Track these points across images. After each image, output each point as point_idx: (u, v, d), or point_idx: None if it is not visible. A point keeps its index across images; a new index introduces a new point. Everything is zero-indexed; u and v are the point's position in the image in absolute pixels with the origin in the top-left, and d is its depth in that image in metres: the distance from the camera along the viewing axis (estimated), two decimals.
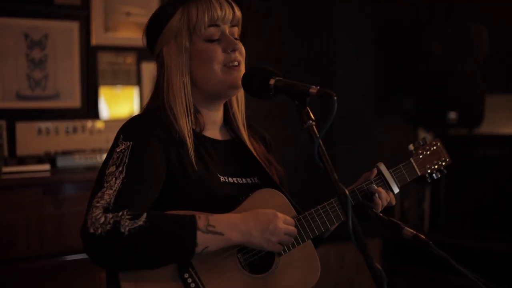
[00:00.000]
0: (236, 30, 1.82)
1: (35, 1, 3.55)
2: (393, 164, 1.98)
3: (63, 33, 3.64)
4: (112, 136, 3.67)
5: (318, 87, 1.53)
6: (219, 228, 1.58)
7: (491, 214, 4.13)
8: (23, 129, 3.50)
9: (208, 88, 1.77)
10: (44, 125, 3.56)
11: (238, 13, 1.81)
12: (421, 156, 2.00)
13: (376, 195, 1.85)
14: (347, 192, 1.45)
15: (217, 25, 1.76)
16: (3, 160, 3.18)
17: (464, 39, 4.37)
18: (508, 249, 3.93)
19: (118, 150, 1.65)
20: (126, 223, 1.50)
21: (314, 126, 1.52)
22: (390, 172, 1.93)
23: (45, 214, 3.01)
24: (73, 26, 3.67)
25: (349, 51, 4.78)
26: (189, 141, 1.72)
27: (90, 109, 3.75)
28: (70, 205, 3.08)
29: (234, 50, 1.77)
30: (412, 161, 1.99)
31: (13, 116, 3.50)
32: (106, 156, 1.68)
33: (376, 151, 4.55)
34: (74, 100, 3.70)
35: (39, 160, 3.29)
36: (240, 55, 1.79)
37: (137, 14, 3.81)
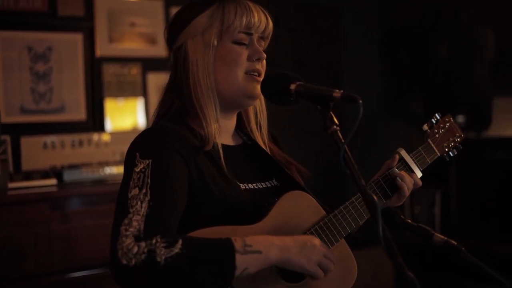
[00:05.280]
0: (263, 44, 1.77)
1: (38, 13, 3.51)
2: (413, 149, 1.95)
3: (67, 45, 3.60)
4: (118, 149, 3.61)
5: (342, 91, 1.48)
6: (257, 247, 1.51)
7: (503, 217, 4.08)
8: (28, 143, 3.45)
9: (227, 93, 1.71)
10: (49, 139, 3.51)
11: (270, 26, 1.76)
12: (437, 135, 1.96)
13: (398, 179, 1.81)
14: (375, 198, 1.38)
15: (249, 33, 1.71)
16: (8, 176, 3.13)
17: (471, 41, 4.34)
18: None
19: (137, 170, 1.56)
20: (162, 252, 1.42)
21: (338, 131, 1.47)
22: (411, 157, 1.90)
23: (53, 229, 2.96)
24: (77, 38, 3.63)
25: (357, 54, 4.76)
26: (213, 144, 1.67)
27: (96, 122, 3.71)
28: (79, 220, 3.03)
29: (259, 59, 1.72)
30: (430, 142, 1.95)
31: (18, 131, 3.45)
32: (124, 177, 1.59)
33: (384, 154, 4.50)
34: (79, 113, 3.65)
35: (45, 175, 3.25)
36: (262, 68, 1.74)
37: (141, 25, 3.73)
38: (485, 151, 4.25)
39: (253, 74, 1.71)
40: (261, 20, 1.72)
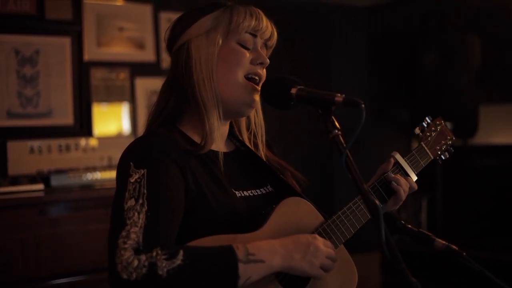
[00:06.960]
0: (265, 53, 1.74)
1: (26, 16, 3.48)
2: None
3: (55, 49, 3.57)
4: (106, 154, 3.55)
5: (344, 95, 1.47)
6: (260, 256, 1.48)
7: (489, 224, 4.10)
8: (14, 148, 3.41)
9: (225, 98, 1.67)
10: (36, 143, 3.47)
11: (275, 36, 1.75)
12: (429, 139, 1.94)
13: (393, 182, 1.79)
14: (378, 203, 1.37)
15: (255, 36, 1.69)
16: None
17: (458, 49, 4.37)
18: (508, 258, 3.90)
19: (132, 181, 1.51)
20: (163, 264, 1.38)
21: (340, 136, 1.45)
22: (406, 160, 1.88)
23: (40, 235, 2.93)
24: (65, 42, 3.60)
25: (344, 63, 4.77)
26: (209, 149, 1.64)
27: (83, 126, 3.67)
28: (66, 225, 3.00)
29: (262, 64, 1.69)
30: (423, 145, 1.93)
31: (4, 135, 3.41)
32: (118, 188, 1.54)
33: (370, 162, 4.51)
34: (66, 117, 3.61)
35: (32, 179, 3.21)
36: (263, 74, 1.71)
37: (130, 29, 3.71)
38: (471, 158, 4.28)
39: (254, 78, 1.68)
40: (267, 27, 1.70)
